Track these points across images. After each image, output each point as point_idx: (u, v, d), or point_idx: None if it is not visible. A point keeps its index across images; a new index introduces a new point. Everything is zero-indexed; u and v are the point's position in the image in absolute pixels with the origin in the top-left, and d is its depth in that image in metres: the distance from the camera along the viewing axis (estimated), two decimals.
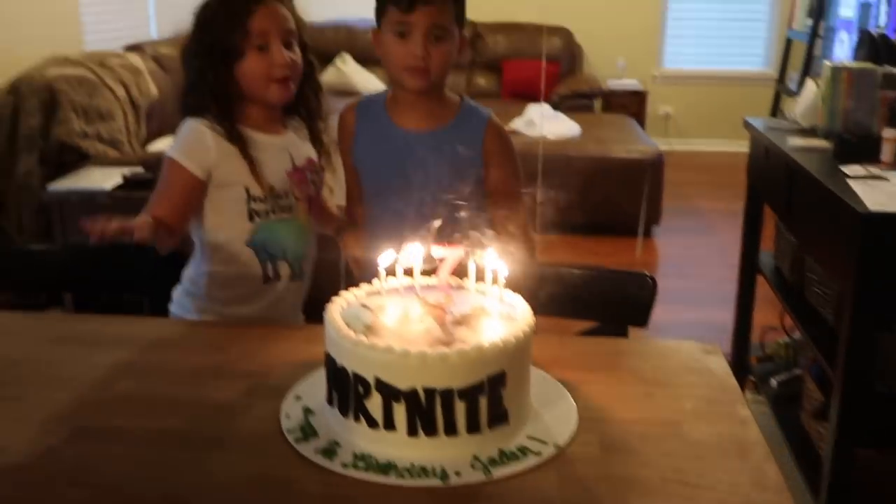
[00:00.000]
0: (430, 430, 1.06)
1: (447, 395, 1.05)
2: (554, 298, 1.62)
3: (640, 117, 6.26)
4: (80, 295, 1.74)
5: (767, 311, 3.01)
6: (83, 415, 1.18)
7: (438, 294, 1.22)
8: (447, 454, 1.06)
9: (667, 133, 6.82)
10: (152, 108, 4.13)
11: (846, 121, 2.37)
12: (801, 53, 5.36)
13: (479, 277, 1.24)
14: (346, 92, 5.80)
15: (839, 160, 2.23)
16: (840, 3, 4.60)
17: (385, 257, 1.21)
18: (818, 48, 5.08)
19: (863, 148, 2.25)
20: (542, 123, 4.89)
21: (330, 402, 1.13)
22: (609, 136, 5.08)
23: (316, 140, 1.79)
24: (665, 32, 6.93)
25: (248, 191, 1.65)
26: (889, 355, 1.99)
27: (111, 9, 4.69)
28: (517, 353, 1.10)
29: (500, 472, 1.05)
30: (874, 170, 2.13)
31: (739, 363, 2.92)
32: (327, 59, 6.30)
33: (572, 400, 1.21)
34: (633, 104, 6.42)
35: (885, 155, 2.21)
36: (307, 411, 1.17)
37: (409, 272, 1.24)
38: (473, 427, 1.07)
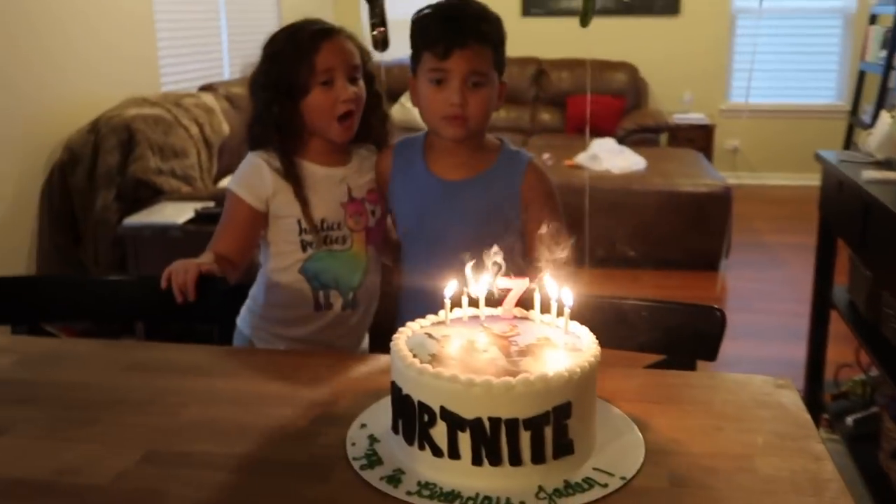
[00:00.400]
0: (495, 460, 1.05)
1: (512, 425, 1.04)
2: (620, 332, 1.61)
3: (707, 151, 6.20)
4: (151, 324, 1.79)
5: (841, 347, 2.93)
6: (153, 439, 1.20)
7: (503, 324, 1.22)
8: (512, 484, 1.05)
9: (735, 167, 6.72)
10: (224, 145, 4.24)
11: None
12: (874, 86, 5.26)
13: (545, 309, 1.24)
14: (410, 128, 5.86)
15: None
16: None
17: (450, 287, 1.22)
18: (892, 80, 4.97)
19: None
20: (607, 157, 4.87)
21: (395, 430, 1.14)
22: (675, 170, 5.03)
23: None
24: (732, 66, 6.86)
25: (299, 223, 1.69)
26: None
27: (187, 51, 4.86)
28: (582, 384, 1.09)
29: (565, 502, 1.03)
30: None
31: (813, 400, 2.83)
32: (395, 96, 6.41)
33: (639, 432, 1.19)
34: (699, 138, 6.37)
35: None
36: (373, 439, 1.17)
37: (474, 303, 1.24)
38: (538, 457, 1.06)
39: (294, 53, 1.65)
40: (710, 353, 1.61)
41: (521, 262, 1.28)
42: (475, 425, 1.04)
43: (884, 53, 5.24)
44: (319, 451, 1.16)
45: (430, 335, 1.20)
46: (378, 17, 2.31)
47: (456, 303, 1.23)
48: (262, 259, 1.78)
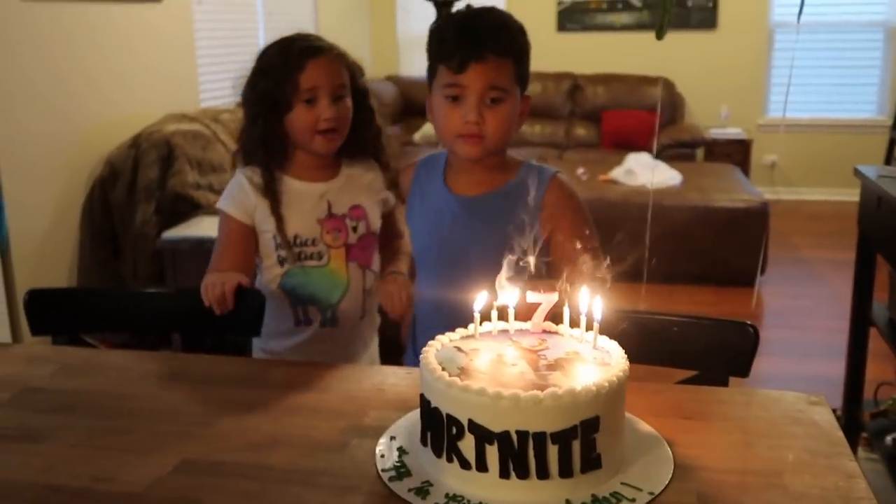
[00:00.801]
0: (523, 473, 1.06)
1: (540, 439, 1.05)
2: (652, 347, 1.60)
3: (744, 166, 6.15)
4: (187, 336, 1.82)
5: (881, 365, 2.88)
6: (188, 448, 1.23)
7: (532, 338, 1.23)
8: (539, 497, 1.06)
9: (773, 182, 6.66)
10: None
11: None
12: None
13: (574, 323, 1.24)
14: (436, 144, 5.90)
15: None
16: None
17: (480, 300, 1.23)
18: None
19: None
20: (642, 172, 4.85)
21: (424, 442, 1.15)
22: (712, 185, 5.00)
23: (390, 184, 1.82)
24: (770, 81, 6.80)
25: (275, 238, 1.72)
26: None
27: (225, 68, 4.94)
28: (611, 398, 1.09)
29: None
30: None
31: (851, 419, 2.79)
32: (423, 112, 6.44)
33: (668, 448, 1.19)
34: (736, 153, 6.32)
35: None
36: (401, 451, 1.18)
37: (502, 316, 1.25)
38: (566, 471, 1.06)
39: (280, 70, 1.67)
40: (743, 369, 1.60)
41: (545, 277, 1.27)
42: (503, 438, 1.05)
43: None
44: (349, 463, 1.17)
45: (459, 348, 1.21)
46: None
47: (483, 317, 1.23)
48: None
